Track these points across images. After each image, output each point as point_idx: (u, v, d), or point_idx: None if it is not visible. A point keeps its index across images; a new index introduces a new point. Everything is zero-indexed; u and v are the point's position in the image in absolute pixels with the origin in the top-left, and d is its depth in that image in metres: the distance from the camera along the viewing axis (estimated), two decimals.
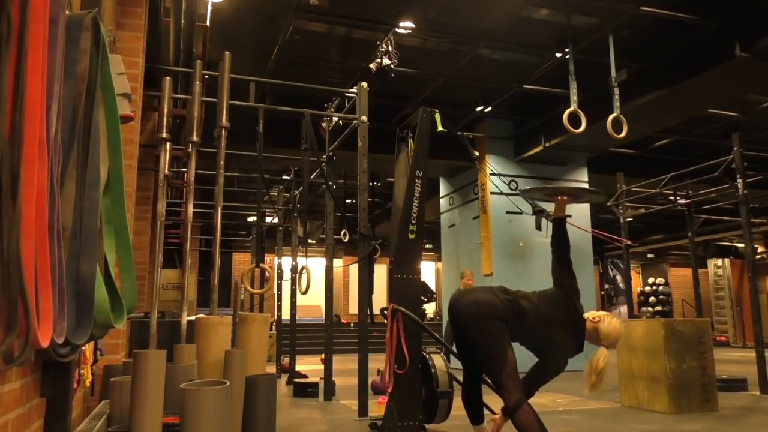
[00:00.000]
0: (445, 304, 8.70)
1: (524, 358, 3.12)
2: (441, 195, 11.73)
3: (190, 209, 3.43)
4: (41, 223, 1.15)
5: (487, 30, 7.26)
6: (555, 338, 3.09)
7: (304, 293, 5.60)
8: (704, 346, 5.40)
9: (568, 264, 3.25)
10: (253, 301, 15.95)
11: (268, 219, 12.05)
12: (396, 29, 6.92)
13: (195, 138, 3.42)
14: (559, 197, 3.47)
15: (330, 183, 6.21)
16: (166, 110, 3.40)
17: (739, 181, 6.91)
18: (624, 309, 21.27)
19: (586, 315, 3.17)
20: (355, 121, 5.78)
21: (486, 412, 3.56)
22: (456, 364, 5.63)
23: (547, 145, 9.38)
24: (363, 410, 5.03)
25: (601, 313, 3.20)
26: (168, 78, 3.53)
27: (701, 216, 9.95)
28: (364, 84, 5.83)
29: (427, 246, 19.88)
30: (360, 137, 5.54)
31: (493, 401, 3.91)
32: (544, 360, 3.13)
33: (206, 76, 4.52)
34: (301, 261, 5.97)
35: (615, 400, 5.96)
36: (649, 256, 23.35)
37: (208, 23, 5.90)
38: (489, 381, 3.36)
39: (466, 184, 10.84)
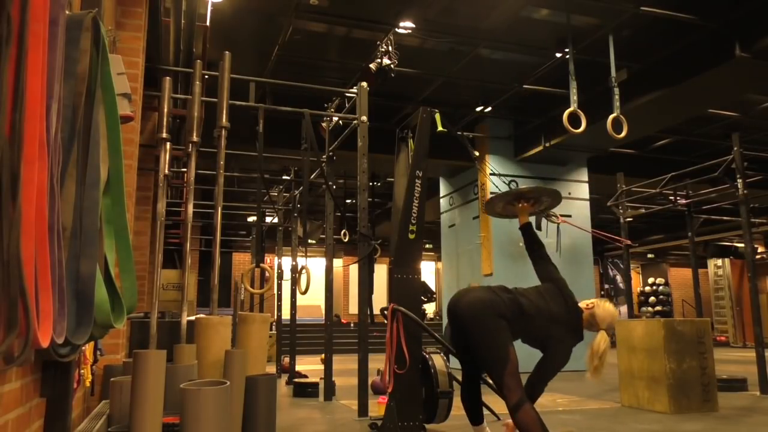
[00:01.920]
0: (445, 304, 8.71)
1: (525, 356, 3.13)
2: (441, 195, 11.73)
3: (190, 209, 3.43)
4: (41, 223, 1.15)
5: (487, 30, 7.26)
6: (557, 331, 3.14)
7: (304, 293, 5.60)
8: (704, 346, 5.39)
9: (548, 259, 3.44)
10: (253, 301, 15.96)
11: (268, 219, 12.05)
12: (396, 29, 6.92)
13: (195, 138, 3.43)
14: (521, 204, 3.67)
15: (330, 183, 6.21)
16: (166, 110, 3.41)
17: (739, 181, 6.90)
18: (624, 309, 21.25)
19: (580, 304, 3.27)
20: (355, 121, 5.78)
21: (486, 412, 3.56)
22: (456, 364, 5.64)
23: (547, 145, 9.38)
24: (363, 410, 5.02)
25: (593, 299, 3.32)
26: (168, 78, 3.53)
27: (701, 216, 9.95)
28: (364, 84, 5.83)
29: (427, 246, 19.87)
30: (360, 137, 5.54)
31: (493, 401, 3.91)
32: (550, 354, 3.16)
33: (206, 76, 4.52)
34: (301, 261, 5.97)
35: (615, 400, 5.96)
36: (649, 256, 23.35)
37: (208, 23, 5.90)
38: (489, 381, 3.38)
39: (466, 184, 10.83)
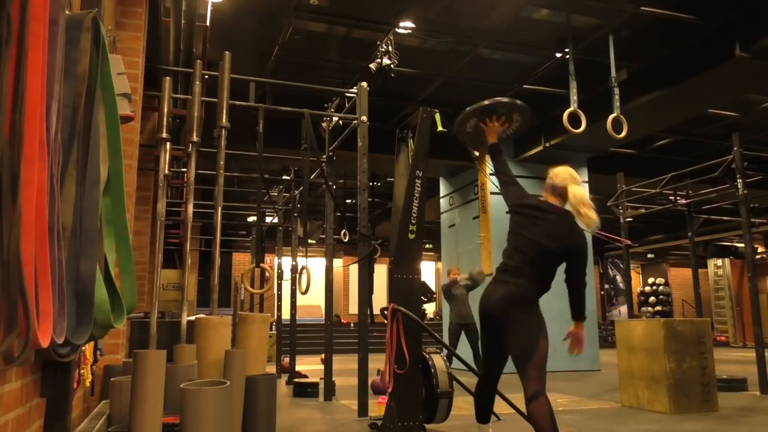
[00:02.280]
0: (445, 304, 8.71)
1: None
2: (441, 195, 11.73)
3: (190, 209, 3.43)
4: (41, 223, 1.15)
5: (487, 30, 7.26)
6: (558, 244, 3.08)
7: (304, 293, 5.61)
8: (704, 346, 5.39)
9: (511, 181, 3.52)
10: (253, 301, 15.96)
11: (268, 219, 12.05)
12: (396, 29, 6.93)
13: (195, 138, 3.43)
14: (491, 123, 3.68)
15: (330, 183, 6.21)
16: (166, 110, 3.41)
17: (739, 181, 6.90)
18: (624, 309, 21.28)
19: (542, 198, 3.27)
20: (355, 121, 5.78)
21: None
22: (456, 364, 5.64)
23: (547, 145, 9.38)
24: (363, 410, 5.02)
25: (545, 184, 3.29)
26: (168, 78, 3.53)
27: (701, 216, 9.95)
28: (364, 84, 5.83)
29: (427, 246, 19.87)
30: (360, 137, 5.54)
31: (497, 404, 3.91)
32: (572, 263, 3.11)
33: (206, 76, 4.52)
34: (301, 261, 5.98)
35: (615, 400, 5.96)
36: (649, 256, 23.35)
37: (208, 23, 5.90)
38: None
39: (466, 184, 10.83)
